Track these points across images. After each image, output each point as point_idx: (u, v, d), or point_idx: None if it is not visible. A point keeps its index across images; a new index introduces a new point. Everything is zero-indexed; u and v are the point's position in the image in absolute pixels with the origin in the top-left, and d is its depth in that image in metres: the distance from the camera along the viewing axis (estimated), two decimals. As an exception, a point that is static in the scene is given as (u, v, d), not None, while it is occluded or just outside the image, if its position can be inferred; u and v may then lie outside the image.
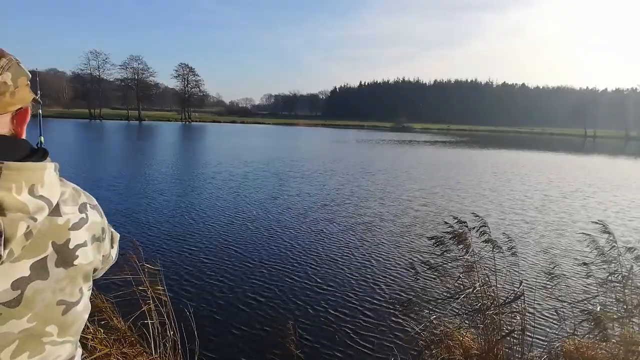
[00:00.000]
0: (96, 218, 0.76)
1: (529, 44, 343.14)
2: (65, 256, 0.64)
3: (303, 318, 4.80)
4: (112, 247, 0.91)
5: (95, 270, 0.78)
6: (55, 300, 0.63)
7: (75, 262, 0.66)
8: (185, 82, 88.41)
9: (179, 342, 3.16)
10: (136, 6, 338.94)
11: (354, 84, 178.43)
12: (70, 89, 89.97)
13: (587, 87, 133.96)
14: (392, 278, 6.11)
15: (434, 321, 3.84)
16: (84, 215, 0.71)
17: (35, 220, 0.58)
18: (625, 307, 3.43)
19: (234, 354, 4.03)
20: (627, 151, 42.56)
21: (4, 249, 0.54)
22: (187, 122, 79.81)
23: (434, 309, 4.51)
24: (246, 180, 14.44)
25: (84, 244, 0.69)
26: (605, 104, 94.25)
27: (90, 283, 0.75)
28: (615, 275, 3.54)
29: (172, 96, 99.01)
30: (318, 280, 5.93)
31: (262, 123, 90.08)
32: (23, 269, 0.58)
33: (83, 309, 0.71)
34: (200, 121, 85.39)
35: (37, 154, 0.66)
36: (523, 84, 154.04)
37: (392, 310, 5.03)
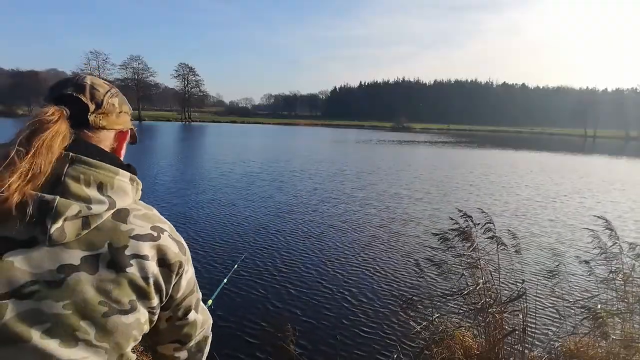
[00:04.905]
0: (172, 246, 0.76)
1: (529, 44, 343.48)
2: (118, 260, 0.66)
3: (303, 316, 4.81)
4: (194, 309, 0.86)
5: (166, 301, 0.76)
6: (98, 299, 0.63)
7: (127, 270, 0.67)
8: (185, 82, 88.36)
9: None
10: (136, 6, 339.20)
11: (354, 84, 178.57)
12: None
13: (587, 87, 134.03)
14: (394, 275, 6.12)
15: (435, 319, 3.84)
16: (155, 233, 0.73)
17: (89, 208, 0.63)
18: (626, 304, 3.44)
19: (234, 353, 4.04)
20: (627, 151, 42.55)
21: (54, 224, 0.59)
22: (187, 122, 79.75)
23: (435, 307, 4.51)
24: (253, 180, 14.45)
25: (143, 257, 0.69)
26: (605, 104, 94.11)
27: (152, 304, 0.72)
28: (617, 273, 3.55)
29: (172, 96, 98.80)
30: (318, 278, 5.94)
31: (263, 123, 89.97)
32: (74, 258, 0.62)
33: (132, 324, 0.68)
34: (200, 121, 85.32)
35: (122, 166, 0.75)
36: (523, 84, 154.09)
37: (393, 309, 5.03)
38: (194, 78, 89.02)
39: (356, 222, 9.18)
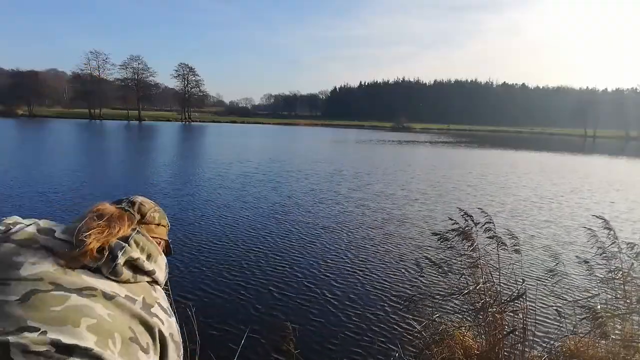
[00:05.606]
0: (178, 329, 0.90)
1: (529, 44, 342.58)
2: (147, 309, 0.83)
3: (304, 316, 4.81)
4: None
5: None
6: (129, 324, 0.77)
7: (153, 319, 0.82)
8: (185, 82, 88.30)
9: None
10: (136, 6, 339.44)
11: (354, 84, 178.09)
12: (70, 89, 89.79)
13: (587, 87, 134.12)
14: (394, 276, 6.12)
15: (435, 319, 3.84)
16: (169, 311, 0.89)
17: (143, 261, 0.87)
18: (625, 303, 3.44)
19: (235, 354, 4.04)
20: (627, 151, 42.55)
21: (122, 256, 0.82)
22: (187, 122, 79.74)
23: (435, 307, 4.52)
24: (254, 181, 14.45)
25: (161, 321, 0.84)
26: (606, 104, 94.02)
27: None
28: (616, 272, 3.55)
29: (172, 96, 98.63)
30: (318, 278, 5.94)
31: (263, 123, 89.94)
32: (121, 292, 0.81)
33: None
34: (200, 121, 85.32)
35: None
36: (523, 84, 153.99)
37: (393, 308, 5.04)
38: (194, 78, 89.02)
39: (355, 223, 9.18)
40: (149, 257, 0.89)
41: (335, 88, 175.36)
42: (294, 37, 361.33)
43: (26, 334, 0.65)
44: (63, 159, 18.83)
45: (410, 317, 4.65)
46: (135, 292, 0.83)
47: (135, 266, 0.85)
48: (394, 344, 4.25)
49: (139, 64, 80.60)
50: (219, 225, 8.51)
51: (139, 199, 1.03)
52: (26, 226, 0.84)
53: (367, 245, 7.56)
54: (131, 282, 0.84)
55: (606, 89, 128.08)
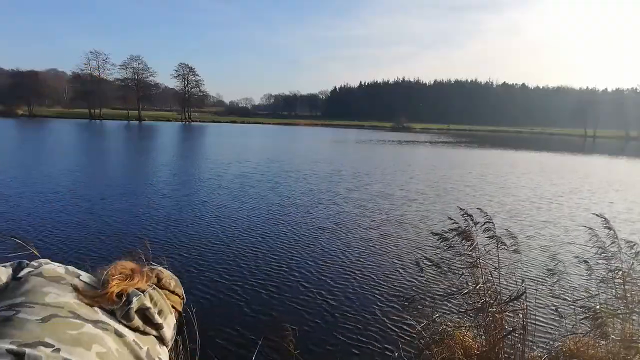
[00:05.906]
0: None
1: (529, 44, 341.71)
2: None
3: (304, 316, 4.81)
4: None
5: None
6: None
7: None
8: (185, 82, 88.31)
9: (180, 342, 3.16)
10: (136, 6, 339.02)
11: (354, 84, 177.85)
12: (70, 89, 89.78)
13: (587, 87, 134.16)
14: (394, 276, 6.12)
15: (435, 319, 3.84)
16: None
17: (154, 312, 0.92)
18: (625, 303, 3.44)
19: (235, 354, 4.04)
20: (627, 151, 42.54)
21: (136, 302, 0.89)
22: (187, 122, 79.74)
23: (435, 307, 4.52)
24: (252, 182, 14.45)
25: None
26: (606, 104, 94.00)
27: None
28: (616, 272, 3.55)
29: (172, 96, 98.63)
30: (318, 278, 5.94)
31: (263, 123, 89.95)
32: (130, 335, 0.87)
33: None
34: (200, 121, 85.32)
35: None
36: (523, 84, 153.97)
37: (393, 308, 5.04)
38: (194, 78, 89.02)
39: (354, 224, 9.18)
40: (160, 312, 0.95)
41: (335, 88, 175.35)
42: (294, 37, 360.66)
43: (41, 347, 0.72)
44: (63, 159, 18.84)
45: (410, 317, 4.64)
46: (143, 341, 0.89)
47: (145, 316, 0.91)
48: (393, 344, 4.24)
49: (139, 64, 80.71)
50: (217, 225, 8.50)
51: (159, 267, 1.11)
52: (56, 267, 0.93)
53: (366, 246, 7.56)
54: (140, 331, 0.89)
55: (606, 89, 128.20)
